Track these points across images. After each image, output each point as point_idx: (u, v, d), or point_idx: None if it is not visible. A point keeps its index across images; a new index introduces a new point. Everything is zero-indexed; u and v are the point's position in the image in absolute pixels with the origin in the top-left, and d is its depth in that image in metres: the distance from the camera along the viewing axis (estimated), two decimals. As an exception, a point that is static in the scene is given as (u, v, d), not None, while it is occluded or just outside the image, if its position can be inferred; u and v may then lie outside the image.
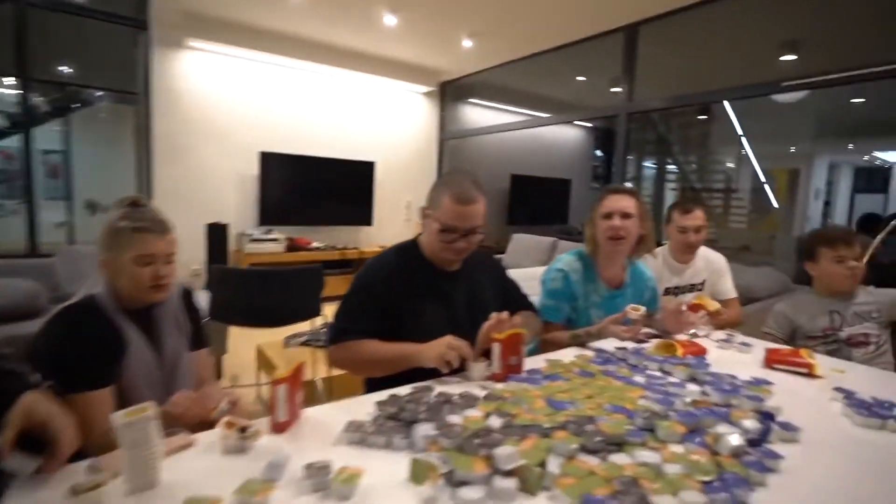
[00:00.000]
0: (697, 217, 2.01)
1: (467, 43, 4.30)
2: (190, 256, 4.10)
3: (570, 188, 6.60)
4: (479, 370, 1.15)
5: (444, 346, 1.10)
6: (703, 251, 2.14)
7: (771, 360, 1.33)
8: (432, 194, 1.29)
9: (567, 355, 1.34)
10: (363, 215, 5.12)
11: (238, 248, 4.35)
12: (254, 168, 4.41)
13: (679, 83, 3.96)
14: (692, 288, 2.11)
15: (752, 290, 2.77)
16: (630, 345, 1.46)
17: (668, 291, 2.10)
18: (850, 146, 8.06)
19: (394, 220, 5.48)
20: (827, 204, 8.64)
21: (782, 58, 4.09)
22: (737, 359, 1.42)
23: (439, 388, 1.07)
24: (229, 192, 4.46)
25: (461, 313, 1.33)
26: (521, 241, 4.83)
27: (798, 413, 0.98)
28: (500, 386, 1.09)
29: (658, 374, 1.22)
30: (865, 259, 1.71)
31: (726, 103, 6.15)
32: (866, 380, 1.25)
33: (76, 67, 4.62)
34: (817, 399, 1.10)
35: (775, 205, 7.23)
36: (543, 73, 5.24)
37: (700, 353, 1.37)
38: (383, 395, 1.00)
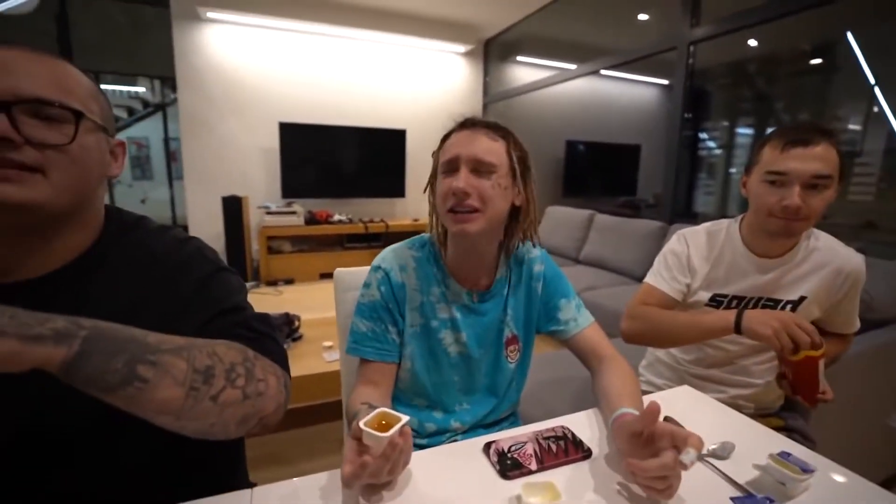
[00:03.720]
0: (817, 155, 0.99)
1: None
2: (211, 231, 4.22)
3: (639, 155, 5.88)
4: None
5: None
6: (825, 240, 1.13)
7: None
8: None
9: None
10: (394, 187, 4.94)
11: (259, 221, 4.39)
12: (275, 140, 4.41)
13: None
14: (775, 306, 1.13)
15: (871, 305, 1.49)
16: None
17: (716, 301, 1.17)
18: None
19: (430, 193, 5.30)
20: None
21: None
22: None
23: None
24: (252, 166, 4.51)
25: None
26: (556, 216, 4.32)
27: None
28: None
29: None
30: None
31: (853, 42, 5.08)
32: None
33: (120, 59, 5.07)
34: None
35: (920, 170, 5.86)
36: (597, 15, 4.64)
37: None
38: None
